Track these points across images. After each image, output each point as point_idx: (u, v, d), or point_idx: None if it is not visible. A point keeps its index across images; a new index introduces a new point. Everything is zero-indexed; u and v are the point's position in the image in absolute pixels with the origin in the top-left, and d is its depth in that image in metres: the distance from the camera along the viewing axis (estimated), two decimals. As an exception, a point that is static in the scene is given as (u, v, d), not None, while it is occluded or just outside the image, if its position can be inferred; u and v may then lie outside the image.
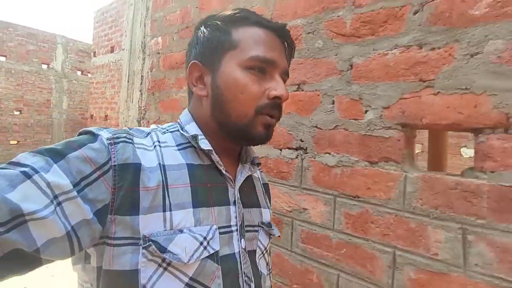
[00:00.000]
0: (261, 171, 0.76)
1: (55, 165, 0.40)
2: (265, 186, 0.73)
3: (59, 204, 0.39)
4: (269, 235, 0.64)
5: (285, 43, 0.56)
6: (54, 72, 9.25)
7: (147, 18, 1.61)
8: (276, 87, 0.52)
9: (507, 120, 0.60)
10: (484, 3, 0.63)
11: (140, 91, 1.64)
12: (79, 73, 9.74)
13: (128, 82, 1.76)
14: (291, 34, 0.57)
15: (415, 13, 0.73)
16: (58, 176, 0.39)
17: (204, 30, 0.55)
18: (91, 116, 6.42)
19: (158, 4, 1.55)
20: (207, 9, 1.27)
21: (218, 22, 0.54)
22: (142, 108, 1.62)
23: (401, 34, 0.75)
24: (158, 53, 1.53)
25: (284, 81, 0.55)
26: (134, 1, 1.74)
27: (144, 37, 1.63)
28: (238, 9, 0.55)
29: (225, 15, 0.55)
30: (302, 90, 0.95)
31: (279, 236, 0.73)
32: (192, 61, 0.55)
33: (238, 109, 0.51)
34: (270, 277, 0.75)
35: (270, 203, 0.73)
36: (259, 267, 0.58)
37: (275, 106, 0.53)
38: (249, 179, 0.62)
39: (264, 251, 0.62)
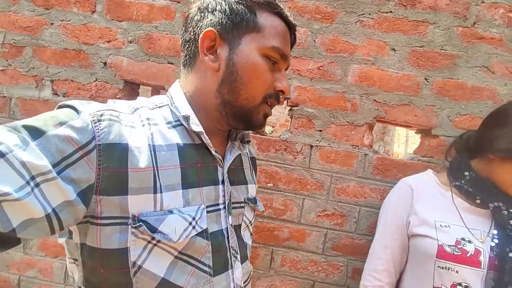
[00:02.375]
0: (250, 145, 0.74)
1: (32, 143, 0.37)
2: (252, 160, 0.74)
3: (37, 185, 0.36)
4: (254, 210, 0.67)
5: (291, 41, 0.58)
6: None
7: None
8: (282, 80, 0.55)
9: None
10: None
11: None
12: None
13: None
14: None
15: None
16: (35, 156, 0.36)
17: (233, 1, 0.53)
18: None
19: None
20: None
21: (249, 0, 0.52)
22: None
23: None
24: None
25: None
26: None
27: None
28: None
29: None
30: None
31: (263, 210, 0.76)
32: (209, 28, 0.52)
33: (249, 92, 0.52)
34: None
35: (256, 176, 0.75)
36: (244, 239, 0.62)
37: (277, 97, 0.56)
38: (237, 156, 0.62)
39: (249, 224, 0.65)
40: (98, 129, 0.43)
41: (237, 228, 0.60)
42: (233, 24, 0.52)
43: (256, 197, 0.70)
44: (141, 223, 0.44)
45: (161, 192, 0.47)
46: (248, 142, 0.68)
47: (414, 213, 0.83)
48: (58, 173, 0.38)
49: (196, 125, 0.53)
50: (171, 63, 1.07)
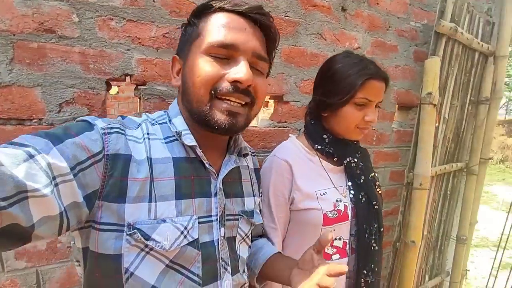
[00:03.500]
0: (255, 156, 0.80)
1: (54, 148, 0.41)
2: (256, 172, 0.77)
3: (56, 185, 0.40)
4: (250, 222, 0.67)
5: (258, 24, 0.55)
6: None
7: None
8: (237, 70, 0.51)
9: None
10: None
11: None
12: None
13: None
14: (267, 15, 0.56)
15: None
16: (57, 159, 0.40)
17: (183, 27, 0.60)
18: None
19: None
20: None
21: (190, 15, 0.57)
22: None
23: None
24: None
25: (255, 64, 0.55)
26: None
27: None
28: None
29: (195, 7, 0.57)
30: None
31: (262, 222, 0.76)
32: (173, 55, 0.60)
33: (196, 93, 0.52)
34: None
35: (259, 189, 0.77)
36: (238, 251, 0.62)
37: (239, 90, 0.52)
38: (235, 169, 0.64)
39: (245, 237, 0.66)
40: (107, 140, 0.48)
41: (231, 240, 0.61)
42: (183, 42, 0.57)
43: (254, 210, 0.69)
44: (135, 230, 0.47)
45: (155, 202, 0.49)
46: (246, 155, 0.68)
47: (296, 189, 0.83)
48: (74, 176, 0.42)
49: (189, 140, 0.55)
50: None
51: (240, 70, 0.51)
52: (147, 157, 0.51)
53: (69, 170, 0.41)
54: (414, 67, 1.43)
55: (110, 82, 0.84)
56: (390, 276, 1.44)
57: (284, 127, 1.13)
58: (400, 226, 1.38)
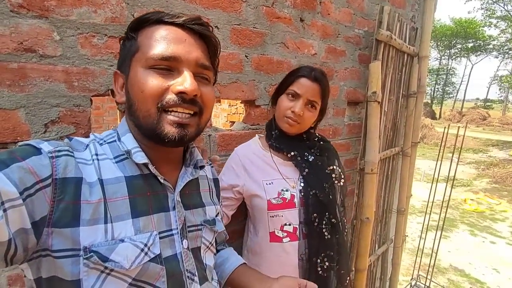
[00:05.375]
0: (212, 166, 0.81)
1: (0, 172, 0.39)
2: (215, 181, 0.78)
3: (5, 210, 0.38)
4: (213, 231, 0.67)
5: (198, 34, 0.55)
6: None
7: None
8: (181, 81, 0.51)
9: None
10: None
11: None
12: None
13: None
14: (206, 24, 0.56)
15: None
16: (5, 184, 0.39)
17: (122, 41, 0.58)
18: None
19: None
20: None
21: (128, 30, 0.55)
22: None
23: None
24: None
25: (200, 73, 0.55)
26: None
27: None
28: (148, 12, 0.54)
29: (132, 21, 0.55)
30: None
31: (224, 229, 0.76)
32: (114, 71, 0.58)
33: (141, 108, 0.51)
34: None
35: (219, 198, 0.79)
36: (204, 260, 0.63)
37: (186, 101, 0.51)
38: (193, 180, 0.64)
39: (210, 245, 0.66)
40: (55, 164, 0.46)
41: (196, 250, 0.62)
42: (123, 57, 0.56)
43: (216, 218, 0.70)
44: (92, 253, 0.46)
45: (111, 222, 0.49)
46: (202, 167, 0.67)
47: (247, 178, 0.99)
48: (23, 200, 0.40)
49: (140, 157, 0.54)
50: None
51: (184, 81, 0.51)
52: (98, 178, 0.50)
53: (18, 195, 0.40)
54: (359, 68, 1.65)
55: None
56: (350, 250, 1.67)
57: (257, 129, 1.23)
58: (356, 206, 1.61)
